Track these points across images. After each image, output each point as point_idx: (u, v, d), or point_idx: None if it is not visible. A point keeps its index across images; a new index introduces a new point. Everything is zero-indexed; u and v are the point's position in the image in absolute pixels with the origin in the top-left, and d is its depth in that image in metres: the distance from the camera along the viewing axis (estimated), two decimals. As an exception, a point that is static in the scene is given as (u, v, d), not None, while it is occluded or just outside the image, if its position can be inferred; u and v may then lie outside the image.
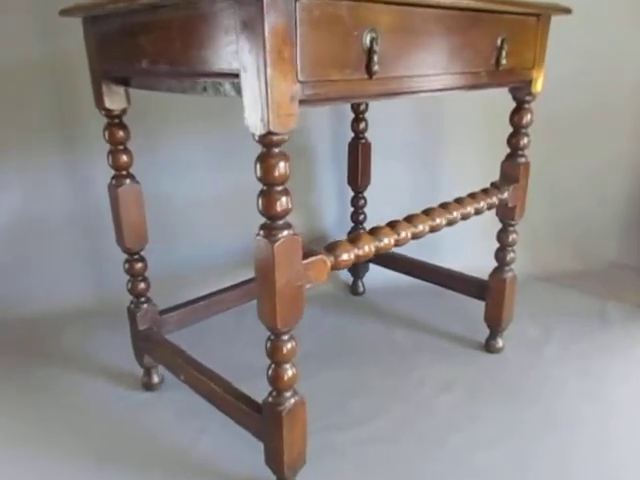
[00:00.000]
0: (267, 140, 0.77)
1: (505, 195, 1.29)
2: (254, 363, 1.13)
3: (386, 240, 1.01)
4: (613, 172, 1.99)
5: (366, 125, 1.65)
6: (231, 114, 1.55)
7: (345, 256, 0.94)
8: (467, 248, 1.90)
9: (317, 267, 0.89)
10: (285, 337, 0.89)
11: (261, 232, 0.82)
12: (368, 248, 0.98)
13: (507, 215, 1.36)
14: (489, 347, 1.49)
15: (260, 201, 0.80)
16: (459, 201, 1.19)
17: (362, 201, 1.73)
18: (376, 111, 1.68)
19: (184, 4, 0.81)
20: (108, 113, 1.12)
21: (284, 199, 0.80)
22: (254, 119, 0.75)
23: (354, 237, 0.98)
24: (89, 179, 1.70)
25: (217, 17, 0.76)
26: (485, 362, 1.45)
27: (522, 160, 1.32)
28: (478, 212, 1.22)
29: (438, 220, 1.11)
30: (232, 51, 0.75)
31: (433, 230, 1.11)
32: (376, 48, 0.83)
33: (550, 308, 1.73)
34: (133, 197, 1.18)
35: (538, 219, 1.95)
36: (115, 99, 1.10)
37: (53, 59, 1.60)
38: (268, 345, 0.89)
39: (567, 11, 1.21)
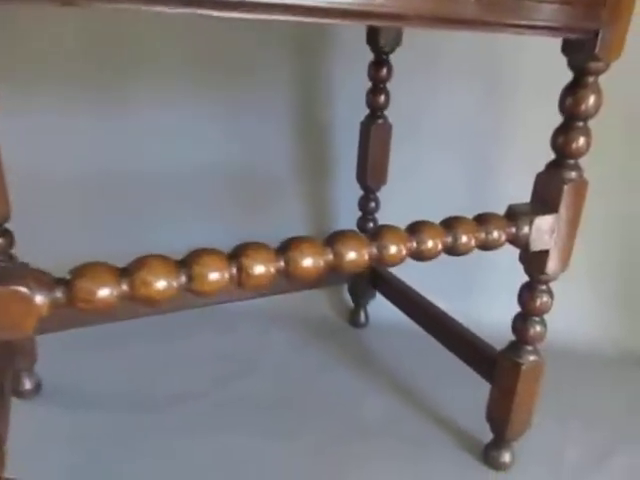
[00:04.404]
0: None
1: (524, 230, 0.76)
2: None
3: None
4: None
5: (387, 99, 1.16)
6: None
7: (107, 293, 0.53)
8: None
9: (4, 306, 0.50)
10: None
11: None
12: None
13: (532, 265, 0.81)
14: (488, 459, 0.95)
15: None
16: (413, 228, 0.69)
17: (372, 204, 1.25)
18: (405, 77, 1.17)
19: None
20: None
21: None
22: None
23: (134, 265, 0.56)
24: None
25: None
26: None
27: (571, 175, 0.76)
28: (453, 251, 0.71)
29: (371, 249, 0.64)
30: None
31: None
32: None
33: (624, 413, 1.12)
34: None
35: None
36: None
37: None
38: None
39: None
